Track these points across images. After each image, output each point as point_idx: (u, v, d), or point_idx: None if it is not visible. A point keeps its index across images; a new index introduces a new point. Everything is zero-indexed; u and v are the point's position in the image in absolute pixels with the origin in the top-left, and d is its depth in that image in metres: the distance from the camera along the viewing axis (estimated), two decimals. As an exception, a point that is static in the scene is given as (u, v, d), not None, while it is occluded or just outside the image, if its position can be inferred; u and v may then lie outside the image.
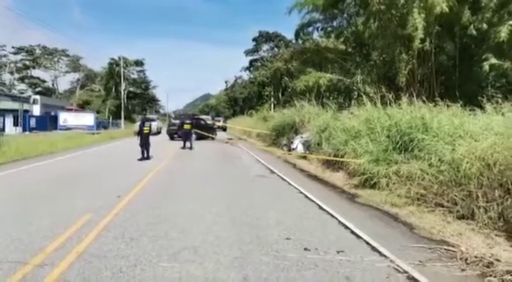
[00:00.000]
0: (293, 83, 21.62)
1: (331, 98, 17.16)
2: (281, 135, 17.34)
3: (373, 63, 18.02)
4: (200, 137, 24.12)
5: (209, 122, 29.36)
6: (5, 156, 13.67)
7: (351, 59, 19.10)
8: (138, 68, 76.84)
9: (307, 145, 14.15)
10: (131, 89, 72.82)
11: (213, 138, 25.67)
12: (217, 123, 35.25)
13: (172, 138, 24.77)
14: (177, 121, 24.16)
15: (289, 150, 14.97)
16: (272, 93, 56.08)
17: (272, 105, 52.56)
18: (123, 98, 63.84)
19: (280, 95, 52.12)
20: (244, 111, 64.51)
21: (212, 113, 59.27)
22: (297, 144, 14.39)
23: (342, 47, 20.72)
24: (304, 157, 13.69)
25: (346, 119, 11.96)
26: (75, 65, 71.86)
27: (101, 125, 51.52)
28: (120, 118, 58.37)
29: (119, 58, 66.53)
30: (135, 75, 76.92)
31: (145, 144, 13.73)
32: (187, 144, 18.76)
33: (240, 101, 71.60)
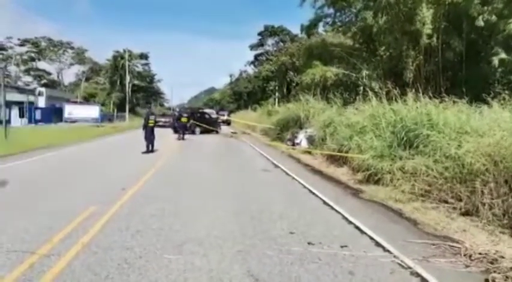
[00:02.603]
0: (298, 77, 21.51)
1: (337, 93, 17.02)
2: (285, 130, 17.33)
3: (379, 58, 17.92)
4: (204, 131, 24.50)
5: (213, 116, 29.62)
6: (13, 148, 13.79)
7: (357, 55, 18.99)
8: (143, 61, 76.90)
9: (311, 140, 14.13)
10: (136, 82, 72.84)
11: (217, 132, 25.89)
12: (222, 117, 35.32)
13: (177, 131, 24.99)
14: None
15: (293, 145, 14.97)
16: (276, 87, 56.01)
17: (276, 99, 52.50)
18: (128, 91, 64.00)
19: (284, 90, 52.05)
20: (249, 106, 64.32)
21: (216, 107, 59.29)
22: (301, 139, 14.38)
23: (349, 42, 20.57)
24: (309, 152, 13.68)
25: (351, 115, 11.93)
26: (80, 57, 71.91)
27: (105, 117, 51.75)
28: (124, 111, 58.54)
29: (124, 51, 66.65)
30: (139, 69, 76.99)
31: (149, 138, 13.77)
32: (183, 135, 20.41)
33: (244, 95, 71.51)
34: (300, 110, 16.05)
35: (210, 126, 24.99)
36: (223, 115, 40.62)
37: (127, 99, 53.79)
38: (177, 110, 49.46)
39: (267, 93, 58.15)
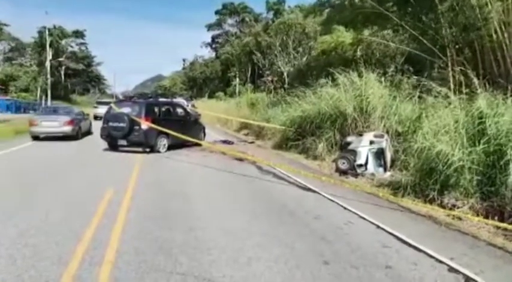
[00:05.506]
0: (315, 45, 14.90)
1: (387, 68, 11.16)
2: (308, 135, 10.87)
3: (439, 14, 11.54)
4: (175, 144, 11.78)
5: (189, 109, 16.73)
6: None
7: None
8: (79, 40, 65.89)
9: (383, 157, 7.98)
10: (71, 64, 61.82)
11: (198, 145, 12.48)
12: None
13: (111, 141, 11.83)
14: (126, 107, 11.66)
15: (350, 169, 8.12)
16: (237, 73, 48.82)
17: (237, 86, 45.67)
18: (62, 75, 53.49)
19: (248, 75, 45.42)
20: (204, 93, 56.85)
21: (185, 96, 46.92)
22: (365, 155, 8.00)
23: None
24: (400, 192, 6.36)
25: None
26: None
27: (29, 107, 41.71)
28: (58, 99, 48.43)
29: (54, 27, 55.64)
30: (75, 49, 65.94)
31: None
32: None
33: (200, 81, 63.49)
34: (344, 100, 9.40)
35: (188, 135, 11.43)
36: (187, 106, 32.16)
37: (49, 82, 43.52)
38: (119, 97, 40.62)
39: (229, 79, 50.86)
